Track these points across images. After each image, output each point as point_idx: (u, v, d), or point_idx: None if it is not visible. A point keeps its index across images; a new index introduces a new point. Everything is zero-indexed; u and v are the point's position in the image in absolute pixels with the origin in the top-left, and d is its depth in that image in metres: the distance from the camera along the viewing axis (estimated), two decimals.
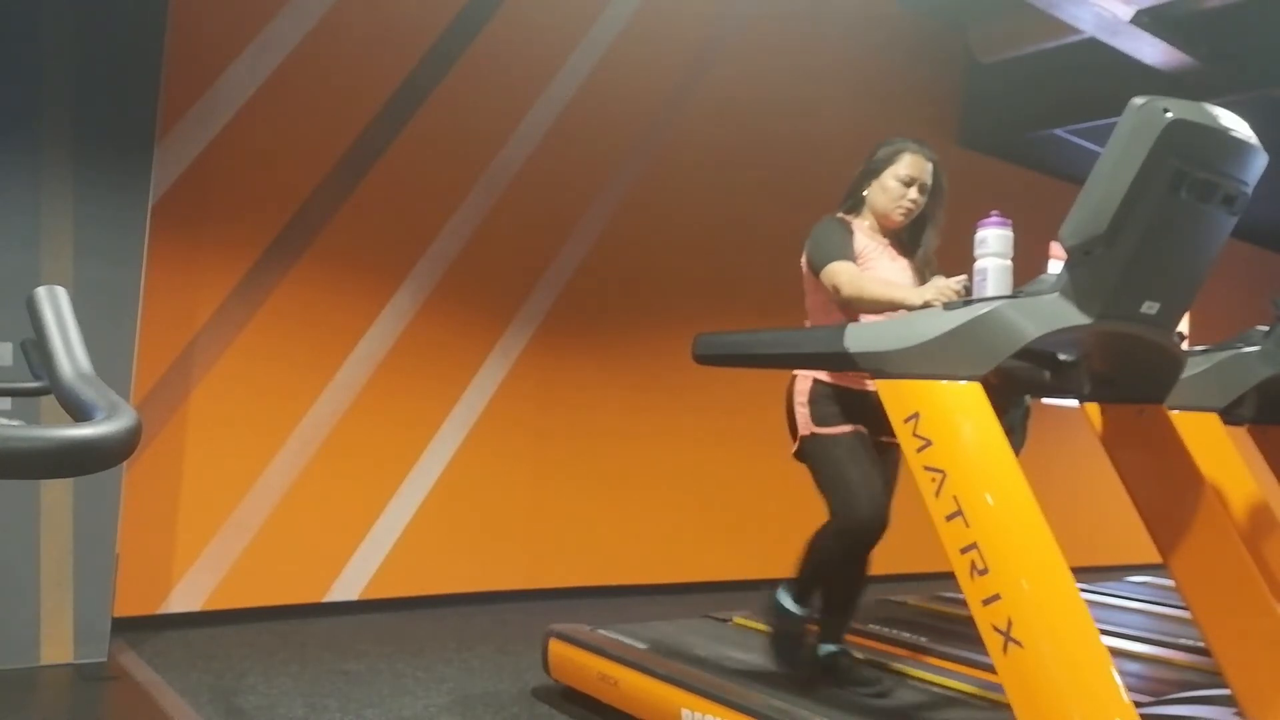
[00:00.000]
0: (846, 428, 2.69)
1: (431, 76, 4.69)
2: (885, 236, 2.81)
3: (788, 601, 2.82)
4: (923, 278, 2.79)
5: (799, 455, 2.78)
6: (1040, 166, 6.98)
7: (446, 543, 4.76)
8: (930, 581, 4.41)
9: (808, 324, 2.85)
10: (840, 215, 2.83)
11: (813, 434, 2.72)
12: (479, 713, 3.12)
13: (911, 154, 2.74)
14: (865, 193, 2.80)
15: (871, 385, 2.68)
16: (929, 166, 2.75)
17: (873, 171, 2.79)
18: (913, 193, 2.73)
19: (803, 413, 2.74)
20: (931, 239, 2.82)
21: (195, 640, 3.84)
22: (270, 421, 4.33)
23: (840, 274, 2.56)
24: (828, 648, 2.88)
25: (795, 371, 2.80)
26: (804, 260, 2.78)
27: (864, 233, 2.77)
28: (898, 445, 2.71)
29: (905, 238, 2.86)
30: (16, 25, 3.29)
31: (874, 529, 2.61)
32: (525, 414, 5.00)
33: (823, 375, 2.75)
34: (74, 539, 3.36)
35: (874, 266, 2.71)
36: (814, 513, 2.94)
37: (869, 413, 2.71)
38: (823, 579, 2.82)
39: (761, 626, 3.60)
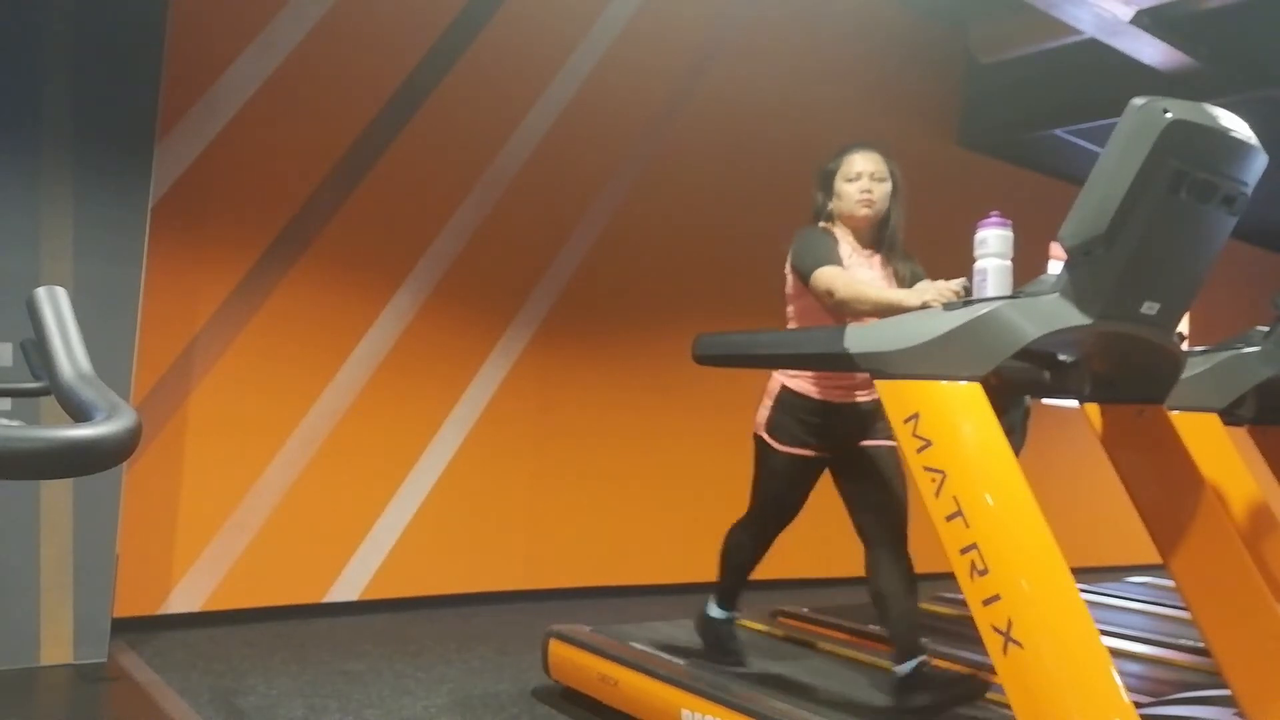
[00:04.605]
0: (795, 450, 2.80)
1: (431, 77, 4.69)
2: (864, 247, 2.81)
3: (713, 609, 3.12)
4: (897, 271, 2.80)
5: (753, 440, 2.93)
6: (1040, 166, 6.98)
7: (446, 543, 4.76)
8: (930, 581, 4.40)
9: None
10: (823, 225, 2.84)
11: (760, 437, 2.87)
12: (479, 713, 3.12)
13: (853, 153, 2.79)
14: (830, 207, 2.82)
15: (861, 396, 2.71)
16: (875, 156, 2.78)
17: (826, 185, 2.83)
18: (864, 183, 2.75)
19: (763, 412, 2.86)
20: (895, 229, 2.82)
21: (195, 641, 3.84)
22: (270, 421, 4.33)
23: (834, 278, 2.56)
24: (908, 665, 2.69)
25: (775, 371, 2.85)
26: (788, 267, 2.79)
27: (846, 242, 2.78)
28: (885, 447, 2.77)
29: (881, 239, 2.86)
30: (16, 25, 3.29)
31: (772, 531, 2.99)
32: (525, 414, 5.00)
33: (795, 384, 2.78)
34: (74, 539, 3.36)
35: (856, 274, 2.71)
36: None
37: (843, 424, 2.74)
38: (741, 579, 3.10)
39: (761, 626, 3.61)
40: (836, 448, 2.79)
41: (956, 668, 3.08)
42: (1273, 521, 2.86)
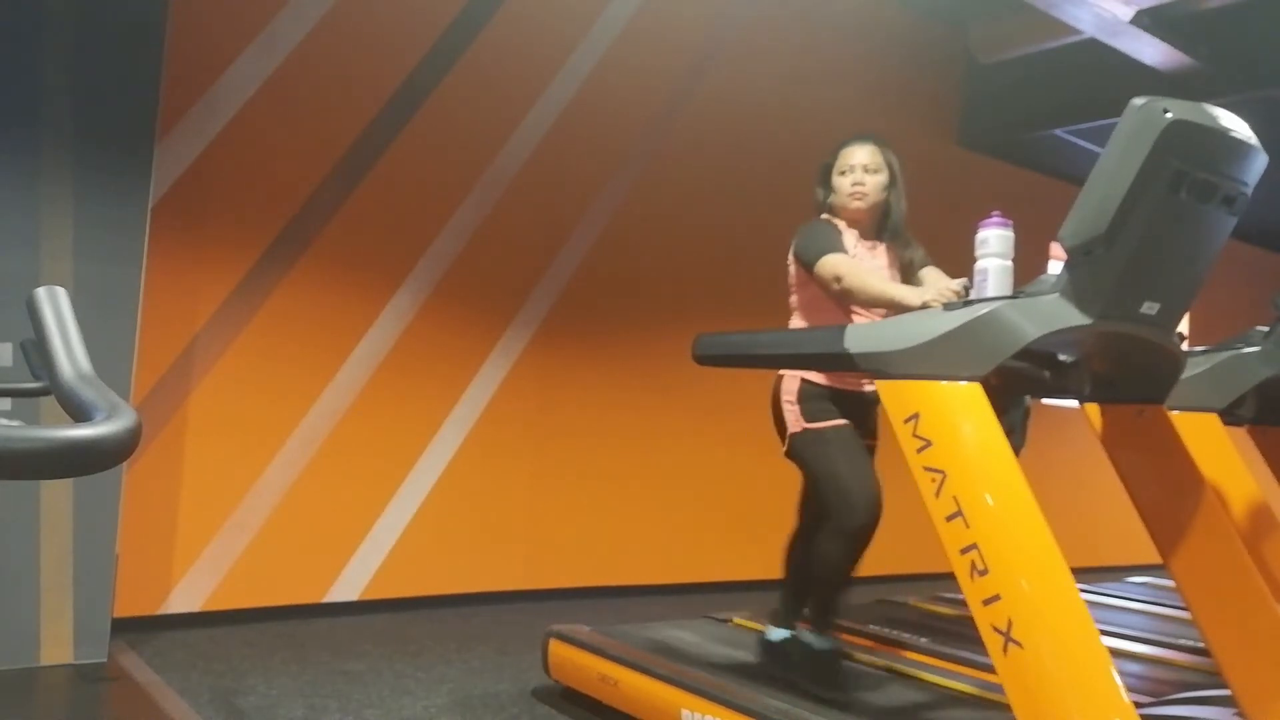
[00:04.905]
0: (838, 421, 2.71)
1: (431, 76, 4.69)
2: (865, 239, 2.82)
3: (811, 639, 2.79)
4: (900, 258, 2.81)
5: (790, 454, 2.80)
6: (1040, 166, 6.98)
7: (446, 543, 4.76)
8: (930, 581, 4.41)
9: (793, 322, 2.86)
10: (825, 216, 2.85)
11: (804, 429, 2.72)
12: (479, 713, 3.12)
13: (848, 146, 2.80)
14: (830, 201, 2.84)
15: (867, 386, 2.71)
16: (868, 148, 2.79)
17: (825, 180, 2.85)
18: (856, 174, 2.76)
19: (793, 410, 2.75)
20: (897, 217, 2.81)
21: (195, 641, 3.84)
22: (270, 421, 4.33)
23: (840, 265, 2.58)
24: (782, 633, 2.91)
25: (781, 371, 2.82)
26: (791, 257, 2.80)
27: (848, 234, 2.79)
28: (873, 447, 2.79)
29: (884, 229, 2.86)
30: (16, 25, 3.29)
31: (873, 522, 2.58)
32: (525, 414, 5.00)
33: (811, 375, 2.76)
34: (74, 539, 3.36)
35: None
36: None
37: (856, 412, 2.74)
38: (836, 590, 2.76)
39: (761, 626, 3.60)
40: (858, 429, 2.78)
41: (956, 667, 3.08)
42: (1273, 521, 2.86)
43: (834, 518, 2.64)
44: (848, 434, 2.70)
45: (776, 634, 2.94)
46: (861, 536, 2.60)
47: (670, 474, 5.45)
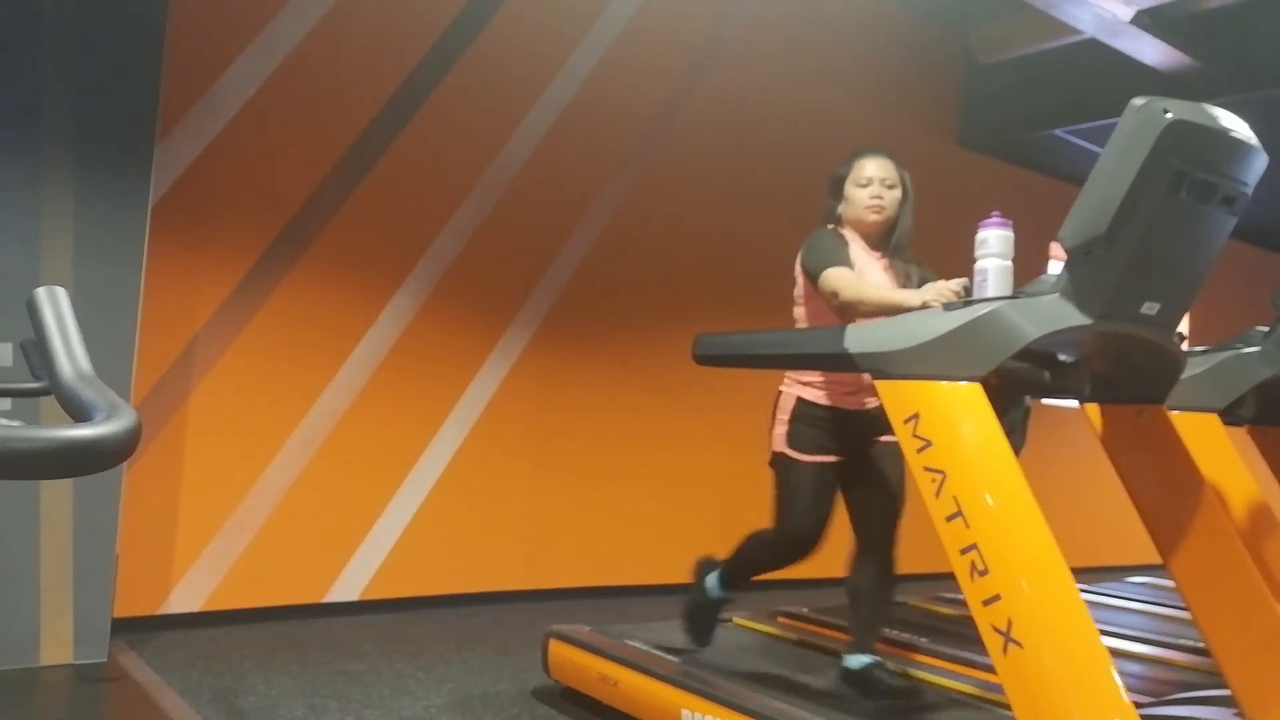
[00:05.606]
0: (817, 458, 2.76)
1: (431, 77, 4.69)
2: (873, 250, 2.81)
3: (712, 582, 3.08)
4: (904, 274, 2.80)
5: (770, 465, 2.86)
6: (1040, 167, 6.98)
7: (446, 543, 4.76)
8: (930, 581, 4.40)
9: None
10: (832, 227, 2.84)
11: (783, 454, 2.80)
12: (479, 713, 3.12)
13: (864, 158, 2.80)
14: (840, 211, 2.83)
15: (870, 402, 2.72)
16: (886, 162, 2.79)
17: (836, 190, 2.84)
18: (874, 188, 2.76)
19: (781, 429, 2.81)
20: (903, 232, 2.81)
21: (195, 641, 3.84)
22: (270, 421, 4.32)
23: (840, 279, 2.57)
24: (861, 659, 2.79)
25: (782, 386, 2.85)
26: (798, 269, 2.80)
27: (856, 245, 2.79)
28: (890, 444, 2.76)
29: (889, 243, 2.85)
30: (16, 25, 3.29)
31: (804, 552, 2.81)
32: (525, 414, 5.00)
33: (808, 394, 2.78)
34: (74, 539, 3.36)
35: (866, 276, 2.73)
36: None
37: (853, 430, 2.75)
38: (750, 575, 3.02)
39: (761, 626, 3.61)
40: (849, 451, 2.80)
41: (956, 667, 3.08)
42: (1273, 521, 2.86)
43: (773, 533, 2.85)
44: (821, 474, 2.77)
45: (712, 580, 3.10)
46: (788, 556, 2.87)
47: (670, 474, 5.44)
